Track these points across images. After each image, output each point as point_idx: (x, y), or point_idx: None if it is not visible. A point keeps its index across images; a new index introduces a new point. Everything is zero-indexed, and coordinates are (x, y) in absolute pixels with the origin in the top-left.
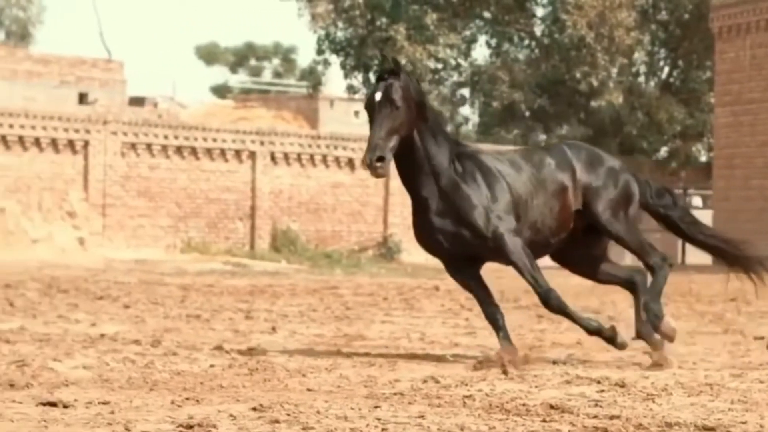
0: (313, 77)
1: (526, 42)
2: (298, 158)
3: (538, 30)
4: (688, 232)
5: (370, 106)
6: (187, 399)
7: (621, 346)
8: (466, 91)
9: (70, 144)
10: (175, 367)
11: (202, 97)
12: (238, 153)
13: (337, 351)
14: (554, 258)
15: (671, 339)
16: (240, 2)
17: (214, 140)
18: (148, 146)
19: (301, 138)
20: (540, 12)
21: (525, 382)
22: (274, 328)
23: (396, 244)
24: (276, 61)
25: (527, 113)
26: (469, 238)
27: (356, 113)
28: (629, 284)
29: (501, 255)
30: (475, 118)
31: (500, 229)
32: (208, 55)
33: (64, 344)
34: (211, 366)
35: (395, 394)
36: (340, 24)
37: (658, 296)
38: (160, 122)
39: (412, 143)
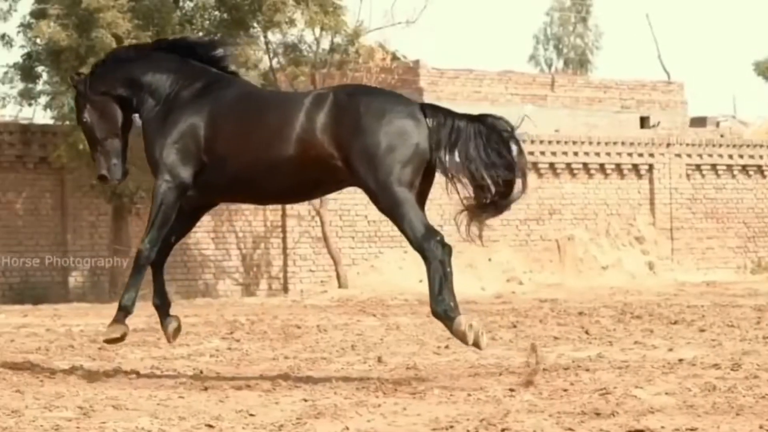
0: None
1: None
2: None
3: None
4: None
5: None
6: None
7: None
8: None
9: (635, 168)
10: (758, 391)
11: (765, 114)
12: None
13: None
14: None
15: (469, 342)
16: None
17: None
18: (713, 167)
19: None
20: None
21: None
22: None
23: None
24: None
25: None
26: None
27: None
28: None
29: None
30: None
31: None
32: (767, 70)
33: (643, 371)
34: None
35: None
36: None
37: (440, 296)
38: (723, 141)
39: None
